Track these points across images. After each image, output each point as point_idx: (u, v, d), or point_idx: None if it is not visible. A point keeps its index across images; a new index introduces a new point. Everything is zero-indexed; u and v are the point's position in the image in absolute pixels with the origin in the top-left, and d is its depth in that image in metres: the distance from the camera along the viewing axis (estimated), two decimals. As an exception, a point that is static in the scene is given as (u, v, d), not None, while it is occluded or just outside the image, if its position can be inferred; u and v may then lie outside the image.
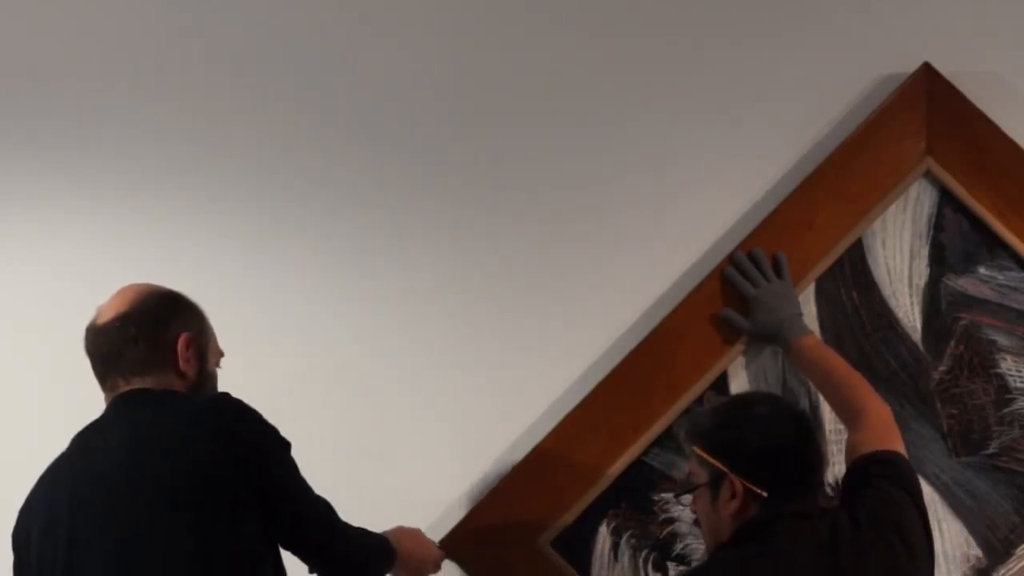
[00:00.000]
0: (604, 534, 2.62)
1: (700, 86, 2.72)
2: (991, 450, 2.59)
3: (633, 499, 2.60)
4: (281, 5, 2.80)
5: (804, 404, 2.58)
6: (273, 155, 2.77)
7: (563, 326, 2.69)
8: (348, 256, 2.76)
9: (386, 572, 2.35)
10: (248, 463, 2.06)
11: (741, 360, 2.63)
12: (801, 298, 2.60)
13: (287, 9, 2.80)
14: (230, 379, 2.72)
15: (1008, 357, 2.60)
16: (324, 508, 2.19)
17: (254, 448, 2.08)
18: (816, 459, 2.19)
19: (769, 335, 2.56)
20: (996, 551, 2.57)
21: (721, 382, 2.62)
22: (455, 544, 2.60)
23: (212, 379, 2.26)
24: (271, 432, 2.12)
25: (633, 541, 2.61)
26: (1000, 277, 2.62)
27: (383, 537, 2.34)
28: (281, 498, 2.11)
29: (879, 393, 2.58)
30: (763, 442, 2.14)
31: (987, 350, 2.61)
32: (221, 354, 2.29)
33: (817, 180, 2.63)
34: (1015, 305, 2.61)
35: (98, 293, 2.75)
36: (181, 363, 2.18)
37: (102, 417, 2.17)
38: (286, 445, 2.15)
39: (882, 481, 2.20)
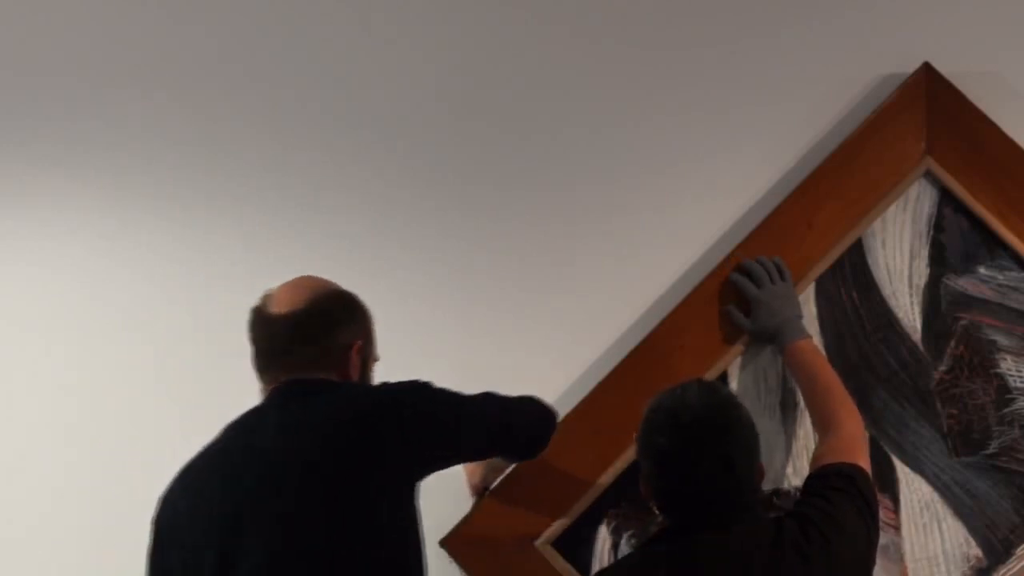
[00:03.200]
0: (604, 534, 2.62)
1: (700, 86, 2.72)
2: (991, 450, 2.59)
3: (633, 499, 2.59)
4: (281, 3, 2.80)
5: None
6: (273, 154, 2.77)
7: (563, 326, 2.69)
8: (347, 257, 2.75)
9: (551, 430, 2.39)
10: (399, 445, 2.08)
11: (741, 360, 2.63)
12: (801, 298, 2.60)
13: (287, 7, 2.80)
14: (230, 379, 2.72)
15: (1008, 357, 2.61)
16: (493, 415, 2.24)
17: (401, 427, 2.09)
18: (705, 475, 2.11)
19: (769, 336, 2.56)
20: (996, 551, 2.57)
21: (721, 382, 2.62)
22: (455, 544, 2.60)
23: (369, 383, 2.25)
24: (413, 399, 2.14)
25: (633, 541, 2.61)
26: (1000, 277, 2.62)
27: (537, 403, 2.38)
28: (453, 443, 2.18)
29: (880, 394, 2.59)
30: (650, 459, 2.16)
31: (987, 350, 2.61)
32: (377, 359, 2.29)
33: (817, 180, 2.63)
34: (1015, 305, 2.61)
35: (97, 293, 2.76)
36: (351, 370, 2.18)
37: (260, 406, 2.16)
38: (430, 398, 2.16)
39: (835, 494, 2.21)
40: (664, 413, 2.16)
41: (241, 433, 2.14)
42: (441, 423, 2.15)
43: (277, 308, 2.16)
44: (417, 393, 2.16)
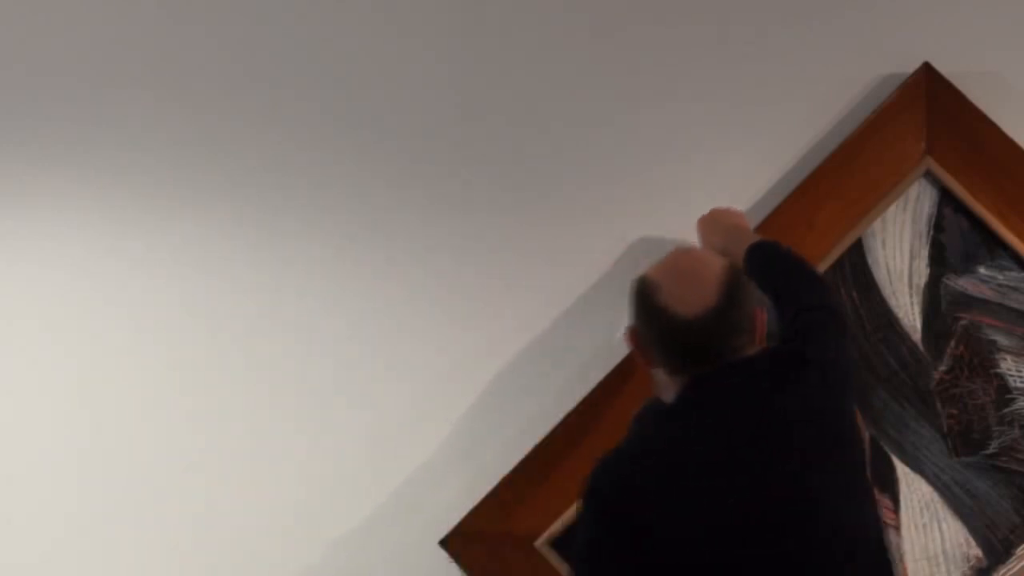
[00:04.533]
0: (604, 534, 2.62)
1: (700, 86, 2.72)
2: (991, 450, 2.59)
3: (633, 499, 2.59)
4: (281, 3, 2.80)
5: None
6: (273, 154, 2.77)
7: (564, 325, 2.69)
8: (348, 257, 2.75)
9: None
10: (832, 395, 2.15)
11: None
12: (801, 298, 2.60)
13: (287, 7, 2.80)
14: (230, 377, 2.73)
15: (1008, 357, 2.61)
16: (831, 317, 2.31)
17: (824, 372, 2.16)
18: None
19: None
20: (996, 551, 2.57)
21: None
22: (455, 544, 2.60)
23: None
24: (829, 371, 2.19)
25: (633, 541, 2.61)
26: (1000, 277, 2.62)
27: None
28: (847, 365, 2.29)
29: (880, 394, 2.60)
30: None
31: (987, 350, 2.61)
32: None
33: (817, 180, 2.63)
34: (1015, 305, 2.61)
35: (97, 293, 2.76)
36: (760, 335, 2.16)
37: (708, 390, 2.12)
38: (839, 366, 2.23)
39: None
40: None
41: (704, 414, 2.11)
42: (835, 355, 2.23)
43: (690, 309, 2.11)
44: (811, 340, 2.22)
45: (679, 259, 2.20)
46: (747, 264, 2.40)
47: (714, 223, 2.57)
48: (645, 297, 2.16)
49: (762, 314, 2.16)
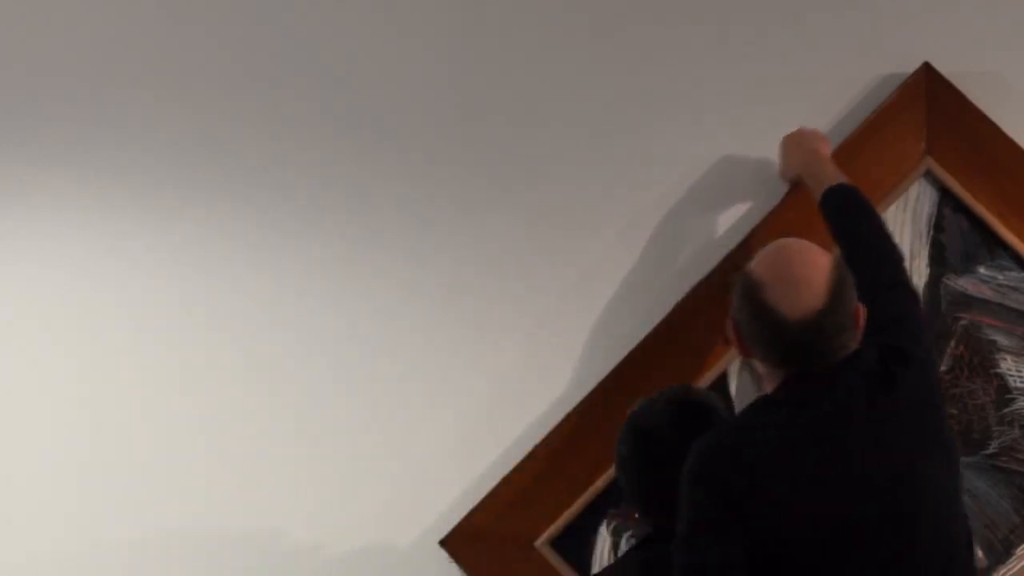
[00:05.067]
0: (604, 534, 2.62)
1: (701, 86, 2.72)
2: (991, 450, 2.59)
3: (633, 499, 2.59)
4: (281, 3, 2.80)
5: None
6: (273, 154, 2.77)
7: (563, 326, 2.69)
8: (348, 256, 2.76)
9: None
10: (926, 382, 2.18)
11: (741, 360, 2.63)
12: (801, 298, 2.59)
13: (287, 7, 2.80)
14: (233, 377, 2.73)
15: (1008, 357, 2.61)
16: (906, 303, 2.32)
17: (921, 360, 2.18)
18: None
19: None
20: (996, 551, 2.57)
21: (721, 382, 2.62)
22: (455, 544, 2.60)
23: None
24: (928, 367, 2.22)
25: (633, 541, 2.61)
26: (1000, 277, 2.62)
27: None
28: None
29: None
30: None
31: (987, 350, 2.61)
32: None
33: (817, 180, 2.63)
34: (1015, 305, 2.61)
35: (97, 293, 2.76)
36: (859, 338, 2.14)
37: (807, 391, 2.11)
38: (933, 359, 2.30)
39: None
40: (631, 426, 2.27)
41: (812, 410, 2.09)
42: (927, 350, 2.27)
43: (797, 311, 2.08)
44: (907, 335, 2.24)
45: (786, 255, 2.15)
46: (823, 205, 2.43)
47: (797, 145, 2.59)
48: (750, 294, 2.11)
49: (863, 309, 2.13)
